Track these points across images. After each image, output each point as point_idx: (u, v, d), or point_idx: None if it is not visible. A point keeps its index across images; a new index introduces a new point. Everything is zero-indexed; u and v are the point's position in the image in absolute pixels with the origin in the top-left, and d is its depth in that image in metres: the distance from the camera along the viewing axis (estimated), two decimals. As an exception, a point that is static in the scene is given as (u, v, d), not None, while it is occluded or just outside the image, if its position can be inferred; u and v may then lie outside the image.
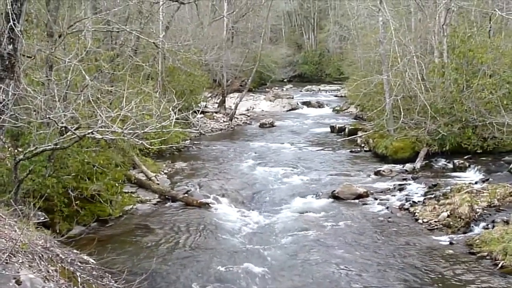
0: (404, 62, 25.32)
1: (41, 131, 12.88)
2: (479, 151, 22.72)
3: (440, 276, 12.37)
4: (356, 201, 18.39)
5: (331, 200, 18.64)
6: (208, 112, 38.23)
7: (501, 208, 15.67)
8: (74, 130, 11.42)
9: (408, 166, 22.31)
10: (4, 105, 10.49)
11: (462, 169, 21.45)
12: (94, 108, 11.83)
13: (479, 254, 13.30)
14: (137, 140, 12.16)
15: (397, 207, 17.50)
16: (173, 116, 12.07)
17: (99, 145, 16.08)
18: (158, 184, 19.92)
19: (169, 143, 17.29)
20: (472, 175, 20.58)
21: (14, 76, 10.76)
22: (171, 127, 12.21)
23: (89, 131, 11.46)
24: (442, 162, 22.80)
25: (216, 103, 41.49)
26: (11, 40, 10.57)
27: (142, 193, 19.04)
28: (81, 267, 9.11)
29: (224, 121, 36.78)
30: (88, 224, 15.34)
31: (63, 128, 11.73)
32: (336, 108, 43.21)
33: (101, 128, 11.32)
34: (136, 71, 21.43)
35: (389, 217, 16.65)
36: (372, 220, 16.51)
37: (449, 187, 18.37)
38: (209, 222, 16.32)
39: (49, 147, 11.95)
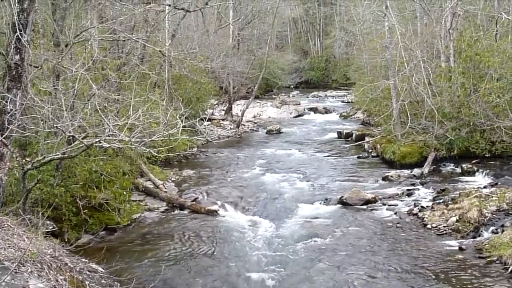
0: (410, 67, 25.26)
1: (49, 141, 12.95)
2: (487, 155, 22.68)
3: (450, 281, 12.30)
4: (365, 206, 18.33)
5: (339, 206, 18.60)
6: (215, 119, 38.24)
7: (510, 212, 15.56)
8: (82, 139, 11.46)
9: (416, 171, 22.25)
10: (11, 115, 10.51)
11: (471, 173, 21.35)
12: (102, 117, 11.88)
13: (488, 259, 13.23)
14: (144, 148, 12.21)
15: (406, 212, 17.45)
16: (180, 124, 12.12)
17: (107, 153, 16.14)
18: (165, 192, 19.92)
19: (176, 150, 17.33)
20: (481, 179, 20.50)
21: (21, 86, 10.78)
22: (178, 134, 12.26)
23: (97, 139, 11.51)
24: (450, 166, 22.74)
25: (223, 110, 41.50)
26: (18, 50, 10.59)
27: (150, 201, 19.07)
28: (90, 276, 9.14)
29: (231, 128, 36.74)
30: (96, 233, 15.40)
31: (71, 137, 11.79)
32: (343, 113, 43.09)
33: (109, 136, 11.36)
34: (142, 79, 21.46)
35: (398, 223, 16.60)
36: (381, 226, 16.46)
37: (457, 192, 18.30)
38: (217, 230, 16.33)
39: (57, 156, 12.01)
